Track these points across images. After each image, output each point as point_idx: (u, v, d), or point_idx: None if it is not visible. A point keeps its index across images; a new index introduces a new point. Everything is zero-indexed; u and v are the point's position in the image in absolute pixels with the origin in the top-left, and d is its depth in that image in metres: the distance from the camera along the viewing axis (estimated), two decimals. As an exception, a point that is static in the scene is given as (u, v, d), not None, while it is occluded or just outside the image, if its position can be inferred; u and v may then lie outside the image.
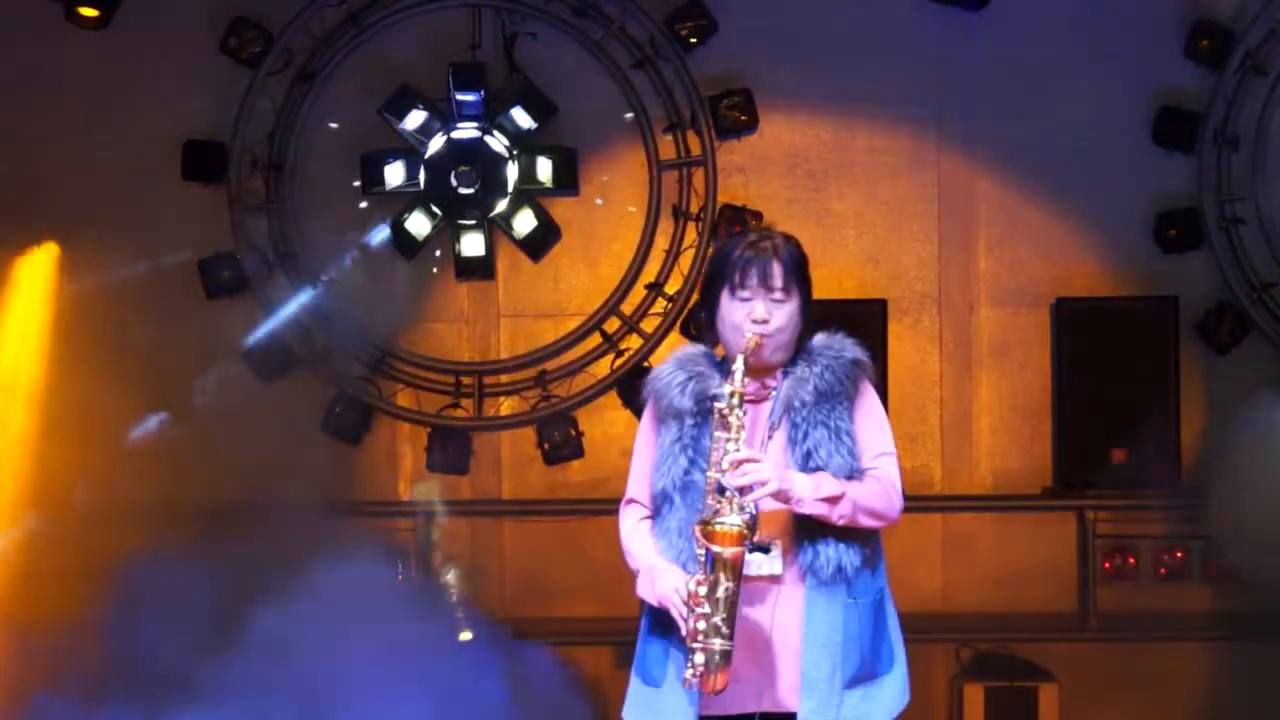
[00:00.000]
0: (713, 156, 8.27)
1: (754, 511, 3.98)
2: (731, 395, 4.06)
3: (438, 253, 8.44)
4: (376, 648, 6.71)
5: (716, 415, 4.07)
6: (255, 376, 8.26)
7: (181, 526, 7.55)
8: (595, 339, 8.43)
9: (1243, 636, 7.92)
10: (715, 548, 3.95)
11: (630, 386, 8.25)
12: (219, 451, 7.52)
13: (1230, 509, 7.35)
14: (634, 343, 8.39)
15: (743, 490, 3.97)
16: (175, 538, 7.47)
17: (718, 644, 3.96)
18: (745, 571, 4.02)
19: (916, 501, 7.92)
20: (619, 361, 8.39)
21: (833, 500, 4.03)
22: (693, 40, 8.26)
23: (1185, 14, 8.22)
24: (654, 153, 8.32)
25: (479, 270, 8.40)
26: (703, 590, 3.97)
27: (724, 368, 4.19)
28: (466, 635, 7.59)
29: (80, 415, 7.93)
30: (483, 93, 8.19)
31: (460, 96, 8.18)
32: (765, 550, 4.05)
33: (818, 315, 4.32)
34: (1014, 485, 8.25)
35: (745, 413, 4.06)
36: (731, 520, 3.96)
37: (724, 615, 3.96)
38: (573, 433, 8.34)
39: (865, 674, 4.13)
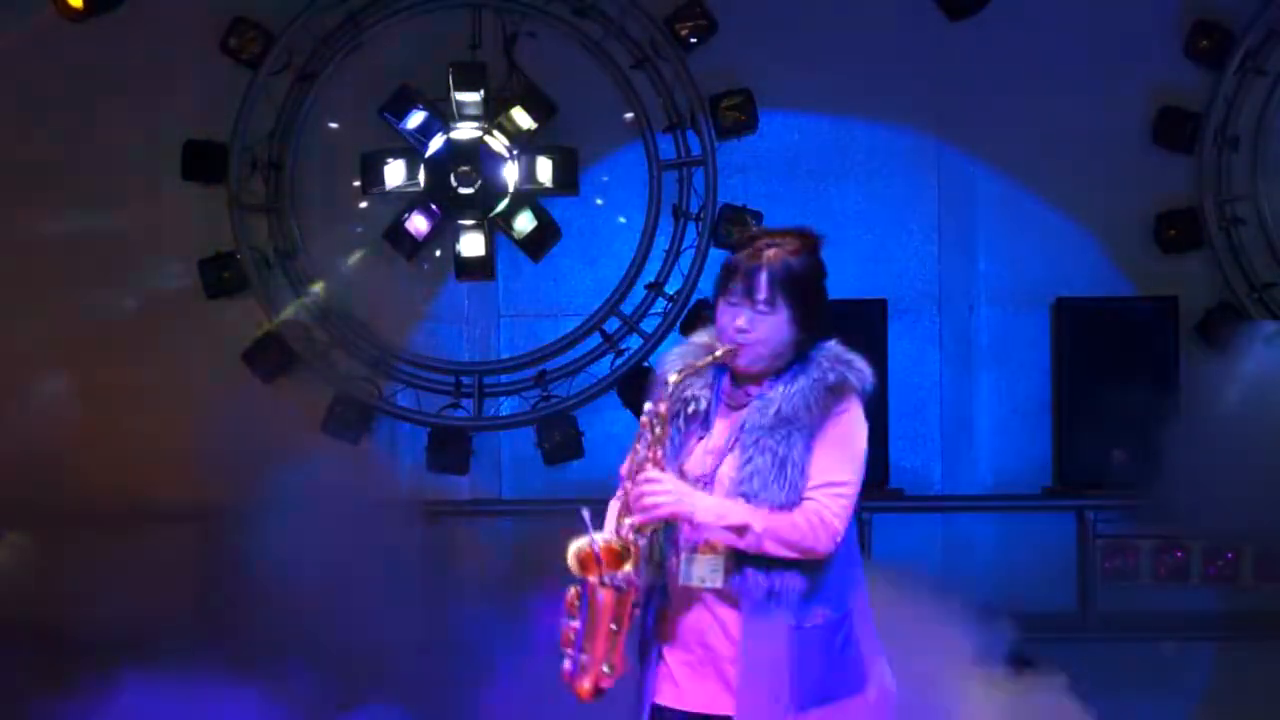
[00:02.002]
0: (713, 156, 8.26)
1: (636, 539, 3.97)
2: (655, 409, 4.04)
3: (438, 253, 8.44)
4: None
5: (642, 422, 4.05)
6: (255, 376, 8.26)
7: (182, 526, 7.56)
8: (595, 339, 8.42)
9: (1243, 637, 7.92)
10: (586, 577, 3.94)
11: (630, 386, 8.26)
12: (219, 452, 7.51)
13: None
14: (634, 343, 8.38)
15: (639, 511, 3.97)
16: (175, 537, 7.50)
17: (584, 657, 3.95)
18: (688, 583, 4.02)
19: (917, 501, 8.01)
20: (619, 361, 8.39)
21: (737, 530, 3.99)
22: (693, 40, 8.26)
23: (1185, 14, 8.22)
24: (654, 153, 8.31)
25: (479, 270, 8.39)
26: (576, 602, 3.98)
27: (720, 365, 4.18)
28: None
29: (79, 415, 7.93)
30: (483, 93, 8.19)
31: (460, 96, 8.18)
32: (619, 589, 3.99)
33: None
34: (1014, 485, 8.25)
35: (666, 430, 4.02)
36: (605, 537, 3.96)
37: (591, 637, 3.94)
38: (573, 433, 8.34)
39: (821, 696, 4.07)
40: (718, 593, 4.07)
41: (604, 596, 3.95)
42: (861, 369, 4.11)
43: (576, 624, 3.95)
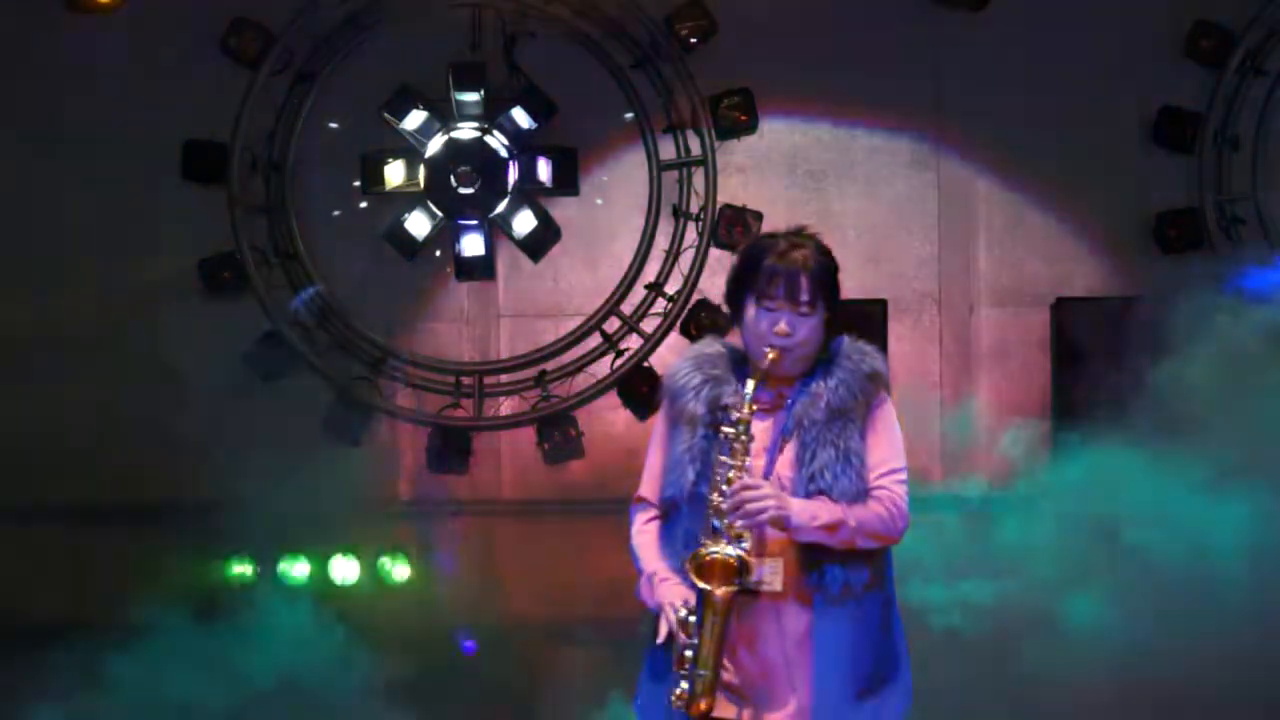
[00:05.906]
0: (713, 156, 8.27)
1: (747, 547, 3.98)
2: (738, 422, 4.03)
3: (438, 253, 8.44)
4: None
5: (722, 438, 4.05)
6: (255, 376, 8.25)
7: (181, 524, 7.56)
8: (595, 339, 8.43)
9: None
10: (704, 586, 3.95)
11: (630, 386, 8.26)
12: (219, 452, 7.52)
13: None
14: (634, 343, 8.39)
15: (743, 517, 3.96)
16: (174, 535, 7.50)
17: (702, 674, 3.95)
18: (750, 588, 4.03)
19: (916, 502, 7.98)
20: (619, 361, 8.39)
21: (830, 529, 4.01)
22: (693, 40, 8.26)
23: (1185, 14, 8.23)
24: (654, 153, 8.32)
25: (479, 270, 8.40)
26: (692, 620, 3.97)
27: (742, 369, 4.16)
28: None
29: (79, 414, 7.93)
30: (483, 93, 8.19)
31: (460, 96, 8.18)
32: (753, 594, 4.02)
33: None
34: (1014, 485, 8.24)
35: (751, 439, 4.03)
36: (726, 551, 3.95)
37: (710, 648, 3.95)
38: (573, 433, 8.34)
39: (873, 684, 4.11)
40: (774, 595, 4.07)
41: (725, 603, 3.96)
42: (882, 358, 4.21)
43: (695, 642, 3.97)
